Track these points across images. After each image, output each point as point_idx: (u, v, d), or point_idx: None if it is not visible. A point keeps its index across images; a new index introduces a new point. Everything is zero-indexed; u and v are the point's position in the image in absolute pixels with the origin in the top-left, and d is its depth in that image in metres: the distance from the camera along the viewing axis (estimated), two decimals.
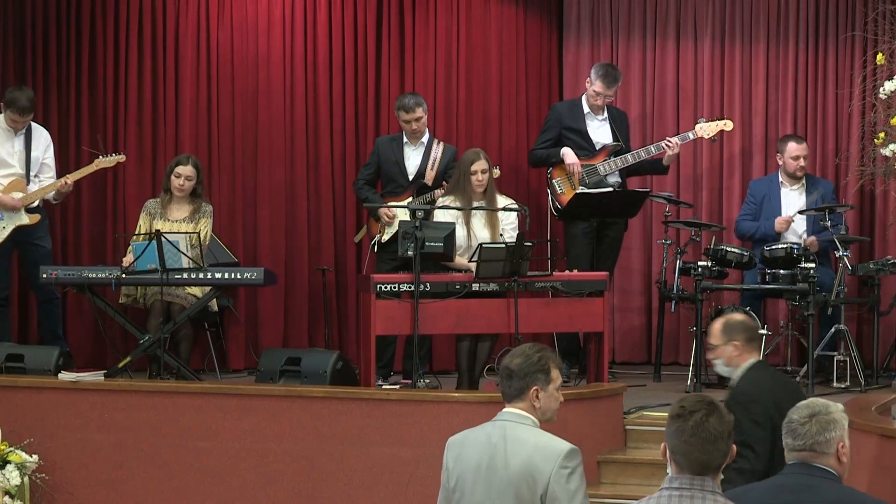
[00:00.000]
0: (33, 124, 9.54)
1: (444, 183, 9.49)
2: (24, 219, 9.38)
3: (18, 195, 9.35)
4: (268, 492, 8.19)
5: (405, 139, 9.57)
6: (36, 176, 9.48)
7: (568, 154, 9.63)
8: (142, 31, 10.29)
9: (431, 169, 9.53)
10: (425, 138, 9.58)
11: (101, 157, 9.49)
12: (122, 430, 8.39)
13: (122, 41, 10.29)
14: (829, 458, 4.33)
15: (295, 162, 10.46)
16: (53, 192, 9.42)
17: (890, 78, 8.98)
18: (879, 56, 9.09)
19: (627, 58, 10.94)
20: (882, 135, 9.06)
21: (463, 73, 10.70)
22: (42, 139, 9.55)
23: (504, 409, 4.85)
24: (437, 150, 9.58)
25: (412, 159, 9.57)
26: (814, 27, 10.65)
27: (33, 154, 9.46)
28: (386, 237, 9.45)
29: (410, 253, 8.49)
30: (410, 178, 9.54)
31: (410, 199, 9.44)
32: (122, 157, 9.60)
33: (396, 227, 9.35)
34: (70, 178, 9.44)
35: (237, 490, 8.23)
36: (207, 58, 10.35)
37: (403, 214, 9.26)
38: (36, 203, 9.43)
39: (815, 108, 10.66)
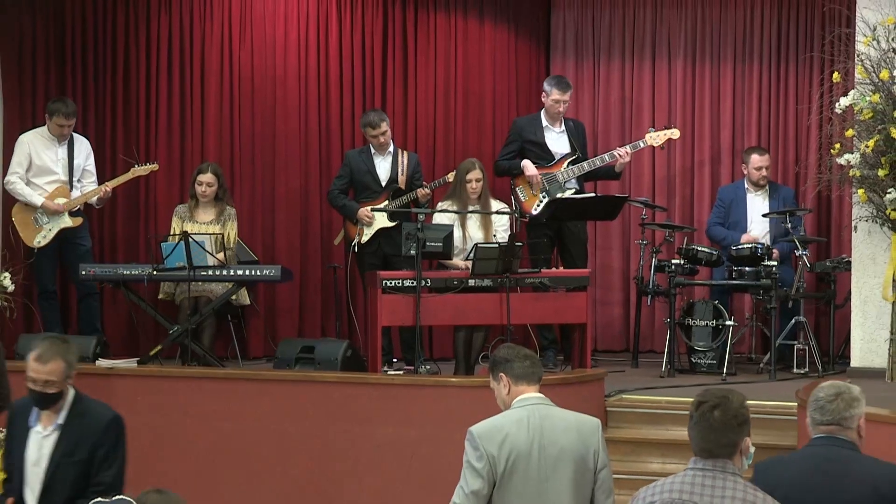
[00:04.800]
0: (75, 135, 9.52)
1: (424, 183, 9.49)
2: (68, 221, 9.37)
3: (62, 200, 9.34)
4: (284, 467, 8.17)
5: (373, 150, 9.53)
6: (78, 181, 9.47)
7: (528, 167, 9.56)
8: (171, 52, 10.28)
9: (402, 174, 9.51)
10: (391, 148, 9.54)
11: (136, 165, 9.49)
12: (153, 412, 8.37)
13: (153, 61, 10.27)
14: (852, 433, 4.38)
15: (309, 169, 10.44)
16: (96, 198, 9.42)
17: (845, 94, 8.94)
18: (836, 75, 9.07)
19: (608, 75, 10.95)
20: (838, 146, 9.04)
21: (460, 90, 10.69)
22: (84, 148, 9.54)
23: (526, 395, 4.87)
24: (404, 158, 9.56)
25: (382, 167, 9.53)
26: (776, 48, 10.65)
27: (75, 161, 9.45)
28: (365, 238, 9.42)
29: (413, 252, 8.48)
30: (383, 184, 9.50)
31: (386, 202, 9.41)
32: (155, 167, 9.59)
33: (375, 229, 9.36)
34: (109, 185, 9.45)
35: (256, 466, 8.21)
36: (230, 76, 10.34)
37: (382, 218, 9.30)
38: (78, 207, 9.42)
39: (777, 121, 10.66)
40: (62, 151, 9.43)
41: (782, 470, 4.38)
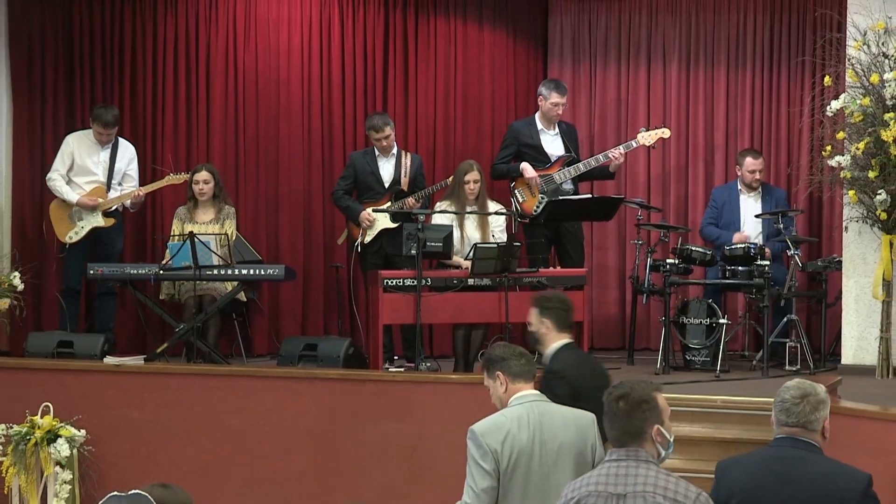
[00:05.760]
0: (121, 139, 9.61)
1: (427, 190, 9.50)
2: (100, 221, 9.42)
3: (98, 200, 9.37)
4: (288, 463, 8.17)
5: (376, 152, 9.53)
6: (119, 184, 9.53)
7: (527, 169, 9.55)
8: (177, 56, 10.28)
9: (405, 176, 9.51)
10: (394, 150, 9.54)
11: (171, 174, 9.52)
12: (159, 408, 8.37)
13: (159, 64, 10.28)
14: (816, 435, 4.33)
15: (312, 171, 10.44)
16: (130, 201, 9.45)
17: (836, 97, 8.96)
18: (826, 78, 9.08)
19: (604, 79, 10.95)
20: (829, 148, 9.06)
21: (460, 93, 10.70)
22: (127, 153, 9.60)
23: (523, 392, 4.89)
24: (407, 160, 9.56)
25: (386, 169, 9.52)
26: (768, 53, 10.65)
27: (117, 165, 9.51)
28: (368, 239, 9.42)
29: (413, 252, 8.48)
30: (386, 185, 9.50)
31: (389, 203, 9.41)
32: (188, 176, 9.58)
33: (378, 230, 9.36)
34: (143, 190, 9.50)
35: (261, 461, 8.21)
36: (235, 79, 10.34)
37: (384, 219, 9.30)
38: (114, 208, 9.45)
39: (769, 124, 10.67)
40: (104, 154, 9.49)
41: (739, 470, 4.35)
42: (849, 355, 9.12)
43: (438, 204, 9.25)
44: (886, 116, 8.65)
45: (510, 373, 4.90)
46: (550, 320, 5.77)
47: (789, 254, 9.34)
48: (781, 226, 9.40)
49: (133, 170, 9.60)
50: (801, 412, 4.30)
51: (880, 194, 8.68)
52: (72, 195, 9.39)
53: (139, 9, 10.25)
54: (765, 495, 4.25)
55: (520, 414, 4.80)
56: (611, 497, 3.93)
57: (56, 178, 9.44)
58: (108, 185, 9.48)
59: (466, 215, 9.14)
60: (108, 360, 8.66)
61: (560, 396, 5.40)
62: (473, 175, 9.14)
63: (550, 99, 9.60)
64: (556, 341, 5.76)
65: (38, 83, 10.08)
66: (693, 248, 9.67)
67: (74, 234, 9.41)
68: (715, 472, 4.44)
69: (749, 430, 7.81)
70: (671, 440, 4.04)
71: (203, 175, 9.44)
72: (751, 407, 7.94)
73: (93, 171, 9.46)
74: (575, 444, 4.78)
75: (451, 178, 9.42)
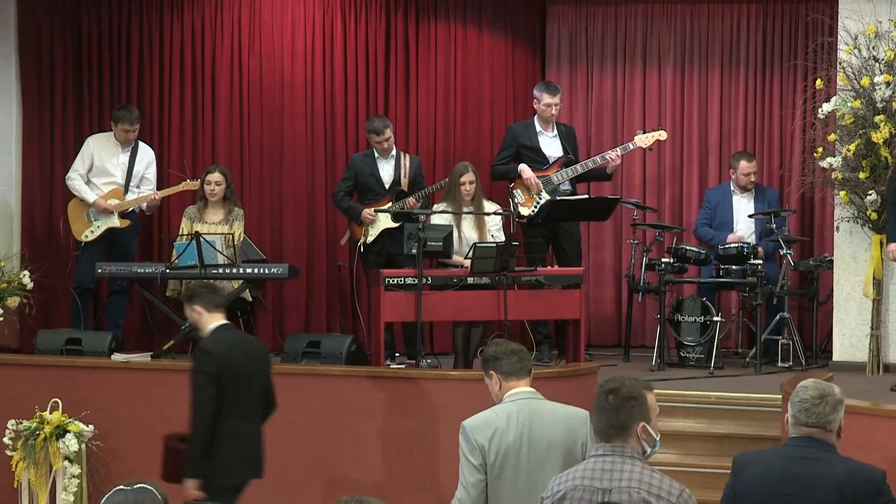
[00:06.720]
0: (141, 143, 9.64)
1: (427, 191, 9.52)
2: (116, 222, 9.47)
3: (114, 202, 9.43)
4: (290, 457, 8.17)
5: (376, 154, 9.55)
6: (137, 187, 9.58)
7: (525, 170, 9.56)
8: (183, 59, 10.30)
9: (405, 177, 9.52)
10: (394, 151, 9.56)
11: (188, 180, 9.56)
12: (166, 404, 8.36)
13: (166, 67, 10.29)
14: (832, 435, 4.30)
15: (315, 172, 10.46)
16: (146, 204, 9.49)
17: (827, 100, 8.99)
18: (818, 81, 9.10)
19: (601, 82, 10.96)
20: (820, 149, 9.08)
21: (460, 96, 10.70)
22: (146, 156, 9.64)
23: (517, 389, 4.88)
24: (406, 161, 9.57)
25: (385, 170, 9.54)
26: (761, 56, 10.67)
27: (136, 168, 9.55)
28: (370, 239, 9.44)
29: (414, 251, 8.50)
30: (386, 186, 9.52)
31: (390, 204, 9.43)
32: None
33: (380, 230, 9.38)
34: (159, 194, 9.55)
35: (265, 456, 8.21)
36: (240, 83, 10.35)
37: (386, 219, 9.33)
38: (130, 210, 9.49)
39: (762, 126, 10.68)
40: (124, 157, 9.55)
41: (757, 467, 4.33)
42: (839, 352, 9.14)
43: (436, 205, 9.26)
44: (877, 119, 8.68)
45: (502, 371, 4.91)
46: (199, 305, 6.19)
47: (782, 253, 9.37)
48: (774, 226, 9.41)
49: (151, 173, 9.64)
50: (821, 413, 4.26)
51: (871, 195, 8.70)
52: (90, 195, 9.45)
53: (146, 14, 10.27)
54: (782, 495, 4.23)
55: (510, 411, 4.80)
56: (596, 491, 3.93)
57: (75, 178, 9.50)
58: (126, 188, 9.53)
59: (463, 215, 9.15)
60: (116, 357, 8.68)
61: (209, 374, 5.95)
62: (469, 176, 9.15)
63: (543, 100, 9.63)
64: (211, 322, 6.14)
65: (46, 86, 10.11)
66: (688, 248, 9.69)
67: (90, 232, 9.46)
68: (732, 465, 4.43)
69: (742, 425, 7.85)
70: (657, 439, 4.02)
71: (215, 176, 9.47)
72: (744, 403, 7.97)
73: (111, 173, 9.51)
74: (563, 442, 4.75)
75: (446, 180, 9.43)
